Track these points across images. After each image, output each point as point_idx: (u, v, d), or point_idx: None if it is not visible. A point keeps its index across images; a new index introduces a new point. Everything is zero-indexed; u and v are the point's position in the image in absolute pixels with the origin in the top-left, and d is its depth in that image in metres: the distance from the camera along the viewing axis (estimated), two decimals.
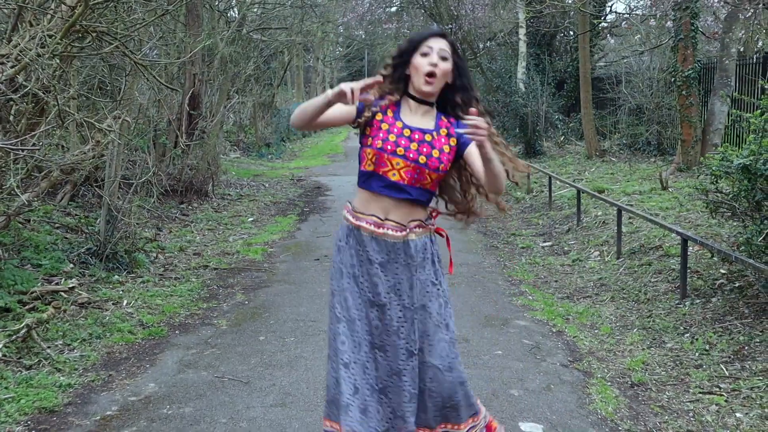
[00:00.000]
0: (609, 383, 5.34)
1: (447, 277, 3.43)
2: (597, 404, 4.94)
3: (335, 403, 3.13)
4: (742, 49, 19.07)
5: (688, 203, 9.79)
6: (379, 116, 3.25)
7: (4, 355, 5.39)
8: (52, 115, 6.12)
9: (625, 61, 22.99)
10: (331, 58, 45.62)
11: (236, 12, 15.86)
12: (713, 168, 6.50)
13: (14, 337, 5.53)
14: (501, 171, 3.10)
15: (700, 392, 5.13)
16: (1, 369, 5.18)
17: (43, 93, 6.38)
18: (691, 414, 4.82)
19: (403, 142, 3.19)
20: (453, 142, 3.26)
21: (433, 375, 3.22)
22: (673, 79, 14.69)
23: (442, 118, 3.31)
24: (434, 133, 3.24)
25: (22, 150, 5.44)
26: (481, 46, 28.54)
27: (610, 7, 23.72)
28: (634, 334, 6.44)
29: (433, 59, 3.17)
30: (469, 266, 9.09)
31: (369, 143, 3.21)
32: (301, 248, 10.10)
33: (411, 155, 3.17)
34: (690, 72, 13.88)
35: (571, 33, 24.75)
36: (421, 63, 3.18)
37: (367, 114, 3.23)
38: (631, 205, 10.45)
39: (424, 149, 3.19)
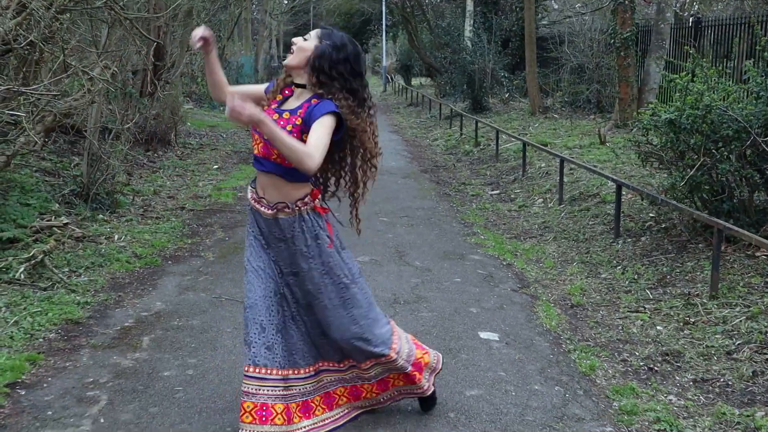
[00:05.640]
0: (552, 305, 6.26)
1: (326, 252, 3.66)
2: (542, 320, 5.85)
3: (246, 344, 3.58)
4: (680, 12, 20.13)
5: (623, 156, 10.75)
6: (268, 101, 3.64)
7: (20, 279, 6.06)
8: (57, 64, 6.70)
9: (567, 21, 23.88)
10: (279, 11, 45.67)
11: None
12: (644, 122, 7.41)
13: (30, 263, 6.19)
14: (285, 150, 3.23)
15: (628, 311, 6.07)
16: (21, 290, 5.87)
17: (43, 43, 6.94)
18: (620, 327, 5.76)
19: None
20: (298, 121, 3.45)
21: (326, 323, 3.67)
22: (612, 41, 15.62)
23: (312, 100, 3.49)
24: (285, 113, 3.48)
25: (44, 95, 6.04)
26: (428, 1, 29.18)
27: None
28: (573, 267, 7.37)
29: (295, 39, 3.56)
30: (425, 210, 9.94)
31: None
32: None
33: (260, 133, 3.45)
34: (628, 34, 14.82)
35: None
36: None
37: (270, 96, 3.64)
38: (572, 158, 11.37)
39: None
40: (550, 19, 27.96)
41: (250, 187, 3.69)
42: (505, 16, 25.80)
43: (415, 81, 36.12)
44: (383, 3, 37.47)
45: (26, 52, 6.98)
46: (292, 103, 3.55)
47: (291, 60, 3.50)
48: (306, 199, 3.58)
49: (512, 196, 11.08)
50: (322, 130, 3.33)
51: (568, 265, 7.49)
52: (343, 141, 3.63)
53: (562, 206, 9.77)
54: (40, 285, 6.07)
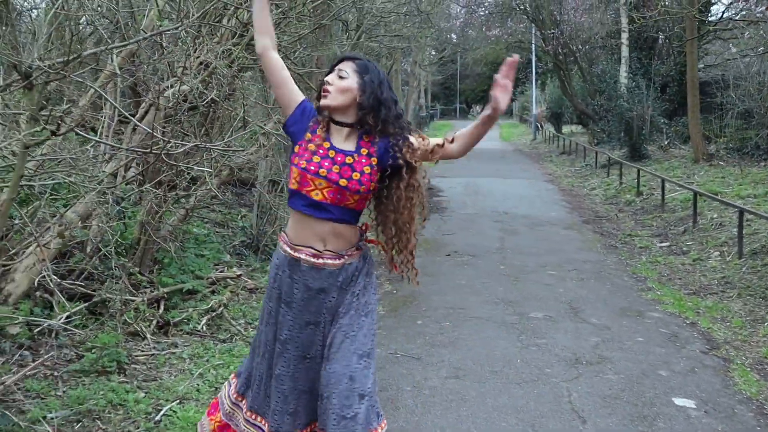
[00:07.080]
0: (749, 369, 5.80)
1: (376, 291, 3.50)
2: (741, 386, 5.41)
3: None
4: None
5: None
6: (308, 135, 3.29)
7: (201, 330, 6.20)
8: (237, 120, 6.93)
9: (729, 62, 22.81)
10: (428, 62, 46.35)
11: (355, 20, 16.64)
12: None
13: (210, 315, 6.33)
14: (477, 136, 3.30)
15: None
16: (203, 341, 5.99)
17: (223, 101, 7.19)
18: None
19: (326, 163, 3.22)
20: (374, 162, 3.28)
21: (334, 381, 3.19)
22: None
23: (364, 138, 3.31)
24: (355, 155, 3.26)
25: (227, 150, 6.24)
26: (575, 48, 28.67)
27: (721, 15, 23.44)
28: (766, 327, 6.84)
29: (329, 78, 3.25)
30: (593, 263, 9.58)
31: (296, 162, 3.26)
32: (430, 245, 10.74)
33: (333, 177, 3.21)
34: None
35: (671, 39, 24.69)
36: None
37: (308, 128, 3.32)
38: (748, 208, 10.71)
39: (345, 172, 3.23)
40: (705, 62, 26.89)
41: (285, 244, 3.38)
42: (662, 61, 25.02)
43: (565, 129, 35.48)
44: (533, 51, 37.24)
45: (208, 109, 7.24)
46: (341, 144, 3.29)
47: (331, 101, 3.22)
48: (362, 236, 3.44)
49: (684, 248, 10.53)
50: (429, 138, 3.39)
51: (759, 324, 6.96)
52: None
53: (742, 260, 9.17)
54: (219, 336, 6.19)
